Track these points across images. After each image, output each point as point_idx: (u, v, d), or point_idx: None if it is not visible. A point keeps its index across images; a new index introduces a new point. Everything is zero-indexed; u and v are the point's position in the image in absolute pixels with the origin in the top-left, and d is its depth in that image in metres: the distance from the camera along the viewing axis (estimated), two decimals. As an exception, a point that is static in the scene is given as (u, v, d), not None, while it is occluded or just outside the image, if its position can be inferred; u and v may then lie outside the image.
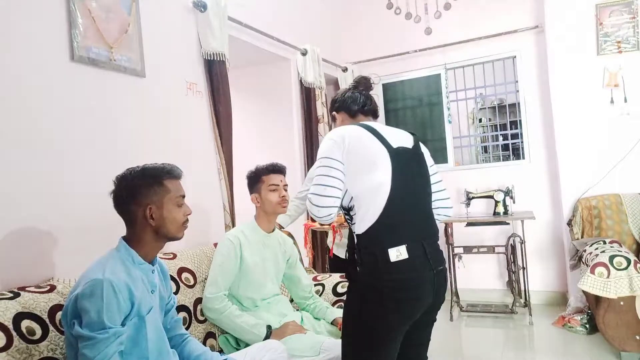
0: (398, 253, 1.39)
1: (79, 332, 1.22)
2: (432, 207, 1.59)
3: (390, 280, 1.40)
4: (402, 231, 1.43)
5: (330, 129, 2.81)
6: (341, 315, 2.11)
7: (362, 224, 1.44)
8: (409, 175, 1.50)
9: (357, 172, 1.45)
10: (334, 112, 1.75)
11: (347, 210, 1.52)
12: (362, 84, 1.72)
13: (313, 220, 2.89)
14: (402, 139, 1.56)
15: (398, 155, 1.49)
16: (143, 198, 1.41)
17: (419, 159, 1.58)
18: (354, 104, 1.68)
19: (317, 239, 3.58)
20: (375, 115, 1.71)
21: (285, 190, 2.16)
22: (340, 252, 2.72)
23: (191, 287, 2.01)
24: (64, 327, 1.33)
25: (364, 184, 1.44)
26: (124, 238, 1.45)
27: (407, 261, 1.40)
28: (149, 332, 1.37)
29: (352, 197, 1.47)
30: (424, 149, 1.63)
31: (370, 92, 1.74)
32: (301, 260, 2.48)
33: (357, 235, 1.46)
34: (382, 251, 1.40)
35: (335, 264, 2.82)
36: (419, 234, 1.46)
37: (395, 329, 1.45)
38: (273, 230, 2.21)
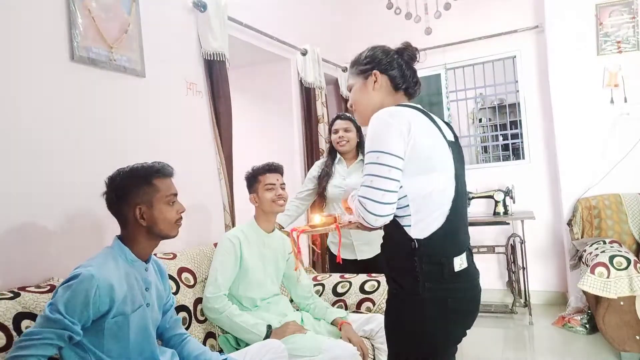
0: (461, 262, 1.27)
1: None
2: None
3: (455, 290, 1.26)
4: (461, 238, 1.31)
5: (331, 127, 2.72)
6: (341, 315, 2.13)
7: (422, 228, 1.24)
8: (462, 174, 1.32)
9: (418, 170, 1.23)
10: (374, 70, 1.34)
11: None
12: (409, 53, 1.37)
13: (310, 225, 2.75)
14: (446, 129, 1.35)
15: (454, 151, 1.30)
16: (133, 199, 1.41)
17: (462, 154, 1.39)
18: (402, 75, 1.34)
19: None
20: (412, 97, 1.41)
21: (283, 188, 2.17)
22: (345, 253, 2.67)
23: (191, 287, 2.01)
24: None
25: (428, 185, 1.23)
26: (119, 237, 1.45)
27: (466, 270, 1.29)
28: (132, 331, 1.38)
29: (405, 195, 1.23)
30: None
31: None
32: (301, 260, 2.47)
33: (417, 239, 1.23)
34: (449, 260, 1.24)
35: (345, 266, 2.68)
36: (467, 240, 1.35)
37: (457, 342, 1.37)
38: (273, 230, 2.21)
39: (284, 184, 2.19)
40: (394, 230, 1.28)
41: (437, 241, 1.23)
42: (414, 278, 1.24)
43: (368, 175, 1.21)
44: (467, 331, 1.40)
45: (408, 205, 1.24)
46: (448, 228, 1.24)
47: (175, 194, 1.49)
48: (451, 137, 1.34)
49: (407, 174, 1.22)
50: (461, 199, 1.30)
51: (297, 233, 1.51)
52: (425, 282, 1.23)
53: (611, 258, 2.62)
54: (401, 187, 1.22)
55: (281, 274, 2.23)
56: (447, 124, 1.40)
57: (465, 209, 1.35)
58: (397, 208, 1.24)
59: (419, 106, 1.31)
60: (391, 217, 1.23)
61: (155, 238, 1.46)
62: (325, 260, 3.43)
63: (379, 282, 2.36)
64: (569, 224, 3.39)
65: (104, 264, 1.33)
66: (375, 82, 1.35)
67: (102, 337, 1.31)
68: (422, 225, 1.23)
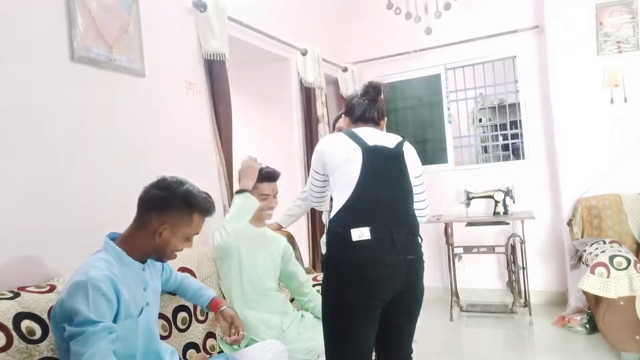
0: (360, 234, 1.50)
1: (70, 331, 1.21)
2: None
3: (350, 258, 1.51)
4: (368, 216, 1.53)
5: (332, 128, 2.91)
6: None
7: (334, 207, 1.61)
8: (382, 168, 1.62)
9: (333, 169, 1.65)
10: (342, 115, 1.93)
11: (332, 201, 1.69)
12: (370, 93, 1.79)
13: None
14: (384, 140, 1.68)
15: (371, 151, 1.61)
16: (167, 217, 1.40)
17: (398, 158, 1.67)
18: (356, 110, 1.79)
19: (317, 239, 3.58)
20: (375, 122, 1.78)
21: (275, 197, 2.21)
22: None
23: (191, 287, 2.01)
24: (54, 332, 1.33)
25: (338, 177, 1.63)
26: (113, 235, 1.43)
27: (369, 242, 1.49)
28: (140, 332, 1.38)
29: (333, 190, 1.67)
30: (409, 151, 1.70)
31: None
32: (300, 258, 2.48)
33: (330, 219, 1.62)
34: (345, 231, 1.51)
35: None
36: (386, 222, 1.55)
37: (357, 306, 1.51)
38: (262, 226, 2.25)
39: (277, 192, 2.22)
40: None
41: (339, 216, 1.57)
42: (326, 250, 1.62)
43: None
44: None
45: (333, 193, 1.67)
46: (350, 206, 1.56)
47: (197, 233, 1.51)
48: (381, 143, 1.64)
49: (331, 171, 1.66)
50: (375, 186, 1.57)
51: None
52: (332, 252, 1.59)
53: (611, 258, 2.62)
54: (330, 184, 1.69)
55: (277, 270, 2.22)
56: (402, 137, 1.72)
57: (387, 197, 1.59)
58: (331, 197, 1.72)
59: (351, 130, 1.71)
60: (319, 203, 1.88)
61: (153, 254, 1.46)
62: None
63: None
64: (569, 224, 3.39)
65: (100, 268, 1.30)
66: (344, 122, 1.91)
67: None
68: (335, 206, 1.61)
